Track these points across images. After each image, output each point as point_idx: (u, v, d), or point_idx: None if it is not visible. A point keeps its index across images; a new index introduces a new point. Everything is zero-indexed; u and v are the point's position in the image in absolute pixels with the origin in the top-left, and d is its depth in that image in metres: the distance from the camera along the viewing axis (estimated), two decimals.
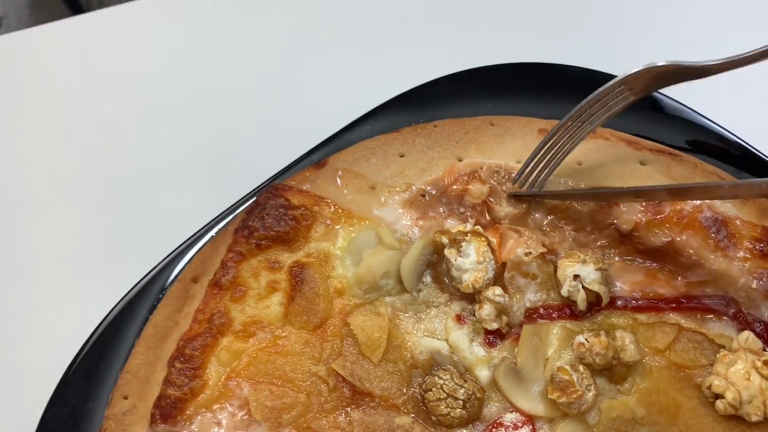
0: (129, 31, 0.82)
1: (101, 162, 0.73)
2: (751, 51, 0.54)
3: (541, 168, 0.60)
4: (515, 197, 0.60)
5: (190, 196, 0.71)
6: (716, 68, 0.55)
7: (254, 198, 0.63)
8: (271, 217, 0.60)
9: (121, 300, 0.59)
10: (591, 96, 0.57)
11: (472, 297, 0.58)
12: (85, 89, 0.78)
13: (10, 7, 1.83)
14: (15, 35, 0.82)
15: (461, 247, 0.57)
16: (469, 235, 0.58)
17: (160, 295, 0.60)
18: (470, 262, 0.57)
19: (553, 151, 0.60)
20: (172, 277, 0.60)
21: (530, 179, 0.60)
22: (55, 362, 0.58)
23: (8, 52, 0.81)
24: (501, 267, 0.58)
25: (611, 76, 0.62)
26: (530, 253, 0.58)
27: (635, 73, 0.56)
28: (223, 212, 0.63)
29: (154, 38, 0.82)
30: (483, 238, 0.58)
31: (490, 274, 0.57)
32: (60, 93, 0.78)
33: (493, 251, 0.58)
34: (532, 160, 0.60)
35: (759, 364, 0.51)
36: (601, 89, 0.57)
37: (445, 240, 0.58)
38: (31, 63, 0.80)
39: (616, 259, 0.58)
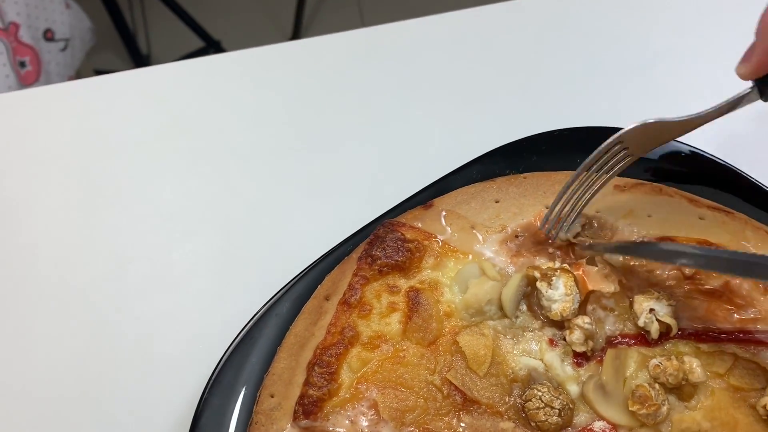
0: (257, 72, 0.94)
1: (237, 190, 0.85)
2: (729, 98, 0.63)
3: (568, 214, 0.70)
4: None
5: (313, 223, 0.82)
6: (695, 122, 0.64)
7: (365, 228, 0.74)
8: (390, 248, 0.71)
9: (262, 307, 0.70)
10: (593, 154, 0.66)
11: (561, 324, 0.69)
12: (214, 124, 0.90)
13: (76, 29, 1.95)
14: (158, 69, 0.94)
15: (551, 281, 0.69)
16: (558, 271, 0.69)
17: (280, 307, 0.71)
18: (559, 294, 0.68)
19: (573, 199, 0.70)
20: (299, 293, 0.71)
21: (560, 223, 0.70)
22: (205, 354, 0.70)
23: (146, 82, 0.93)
24: (584, 299, 0.69)
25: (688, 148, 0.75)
26: (610, 291, 0.69)
27: (627, 131, 0.65)
28: (342, 241, 0.74)
29: (274, 81, 0.93)
30: (570, 274, 0.69)
31: (576, 305, 0.68)
32: (193, 127, 0.90)
33: (578, 285, 0.69)
34: (555, 206, 0.70)
35: None
36: (600, 148, 0.66)
37: (537, 274, 0.69)
38: (168, 95, 0.92)
39: (682, 297, 0.69)
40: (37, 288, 0.79)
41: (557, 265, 0.70)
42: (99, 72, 2.50)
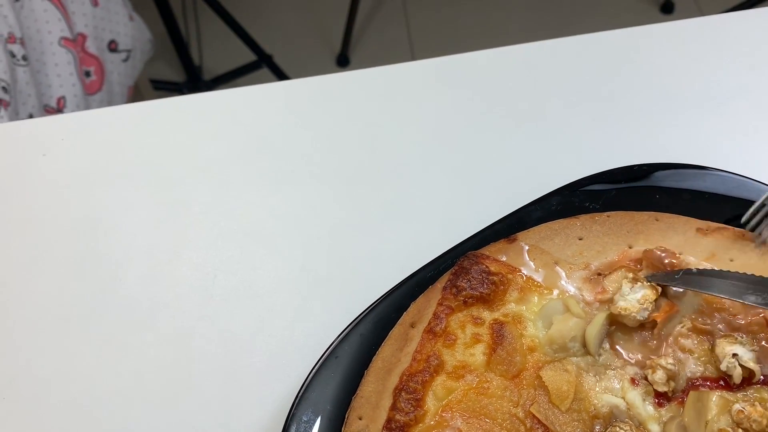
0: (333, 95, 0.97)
1: (317, 211, 0.88)
2: None
3: None
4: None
5: (390, 245, 0.85)
6: None
7: (445, 255, 0.76)
8: (475, 279, 0.73)
9: (348, 327, 0.72)
10: None
11: (643, 363, 0.70)
12: (296, 147, 0.93)
13: (137, 41, 2.00)
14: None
15: (636, 285, 0.71)
16: (648, 283, 0.71)
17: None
18: (633, 298, 0.70)
19: None
20: (381, 314, 0.73)
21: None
22: (287, 369, 0.73)
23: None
24: (651, 324, 0.70)
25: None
26: (684, 325, 0.70)
27: None
28: (423, 266, 0.76)
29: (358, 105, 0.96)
30: (654, 292, 0.70)
31: (639, 318, 0.70)
32: (275, 149, 0.93)
33: (654, 306, 0.70)
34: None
35: None
36: None
37: (630, 275, 0.72)
38: (251, 117, 0.95)
39: (764, 342, 0.70)
40: (124, 300, 0.82)
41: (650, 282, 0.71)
42: (154, 82, 2.55)
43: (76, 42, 1.81)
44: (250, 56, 2.61)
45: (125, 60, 1.99)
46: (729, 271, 0.71)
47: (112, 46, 1.94)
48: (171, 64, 2.72)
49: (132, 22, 2.01)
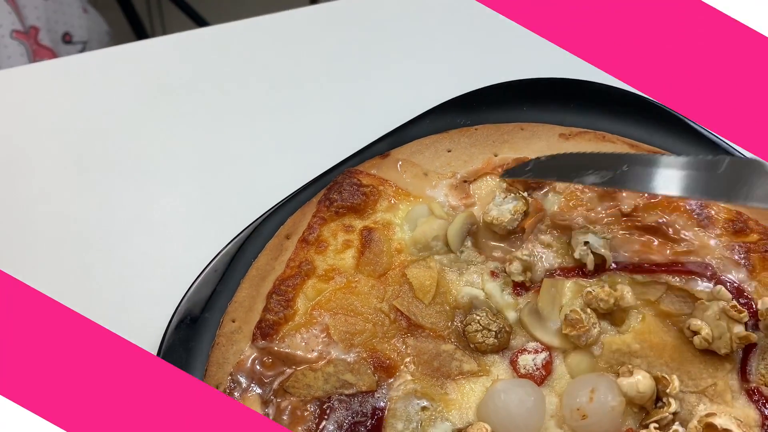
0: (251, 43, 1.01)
1: (208, 142, 0.93)
2: None
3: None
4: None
5: (281, 174, 0.88)
6: None
7: (329, 175, 0.80)
8: (347, 191, 0.77)
9: (227, 244, 0.76)
10: None
11: (503, 258, 0.73)
12: (193, 91, 0.97)
13: (93, 33, 2.05)
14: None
15: (509, 195, 0.74)
16: (521, 194, 0.74)
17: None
18: (505, 209, 0.73)
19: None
20: (264, 233, 0.77)
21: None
22: (178, 287, 0.76)
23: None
24: (520, 230, 0.74)
25: (627, 92, 0.80)
26: (545, 223, 0.74)
27: None
28: (305, 184, 0.80)
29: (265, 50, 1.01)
30: (525, 204, 0.73)
31: (509, 227, 0.73)
32: (173, 93, 0.97)
33: (523, 217, 0.74)
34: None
35: (727, 308, 0.66)
36: None
37: (504, 185, 0.76)
38: (151, 67, 0.99)
39: (619, 233, 0.74)
40: (33, 235, 0.86)
41: (525, 194, 0.75)
42: None
43: (28, 35, 1.86)
44: None
45: (81, 51, 2.04)
46: (574, 153, 0.74)
47: (67, 38, 1.99)
48: None
49: (86, 14, 2.06)
